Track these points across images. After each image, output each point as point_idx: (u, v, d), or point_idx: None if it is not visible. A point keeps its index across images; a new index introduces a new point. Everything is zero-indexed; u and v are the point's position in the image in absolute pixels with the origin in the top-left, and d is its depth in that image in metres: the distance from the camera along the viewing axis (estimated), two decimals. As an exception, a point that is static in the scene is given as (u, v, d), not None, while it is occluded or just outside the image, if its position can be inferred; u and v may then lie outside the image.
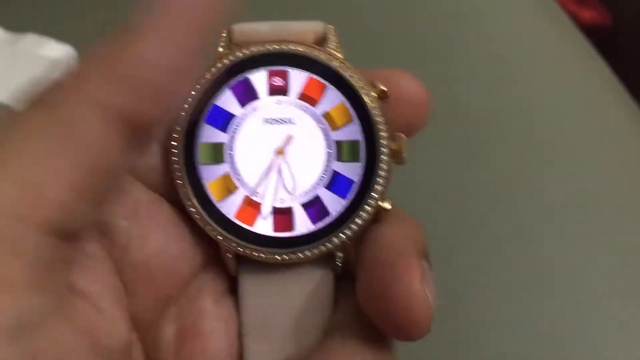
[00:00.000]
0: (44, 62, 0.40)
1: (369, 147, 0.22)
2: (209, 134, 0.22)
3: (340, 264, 0.22)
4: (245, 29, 0.23)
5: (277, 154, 0.22)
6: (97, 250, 0.20)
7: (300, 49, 0.22)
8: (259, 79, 0.22)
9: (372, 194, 0.22)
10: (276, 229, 0.22)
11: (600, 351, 0.35)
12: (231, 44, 0.23)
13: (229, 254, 0.22)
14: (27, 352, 0.15)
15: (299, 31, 0.23)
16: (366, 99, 0.22)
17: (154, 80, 0.18)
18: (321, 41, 0.23)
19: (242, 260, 0.22)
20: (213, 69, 0.23)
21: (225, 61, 0.22)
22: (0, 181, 0.16)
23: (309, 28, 0.23)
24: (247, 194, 0.22)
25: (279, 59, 0.22)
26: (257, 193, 0.22)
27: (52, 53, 0.42)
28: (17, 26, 0.45)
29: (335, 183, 0.22)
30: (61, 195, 0.16)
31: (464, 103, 0.44)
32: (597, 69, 0.47)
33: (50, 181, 0.16)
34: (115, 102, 0.17)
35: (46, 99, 0.18)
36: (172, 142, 0.22)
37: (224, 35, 0.23)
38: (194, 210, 0.22)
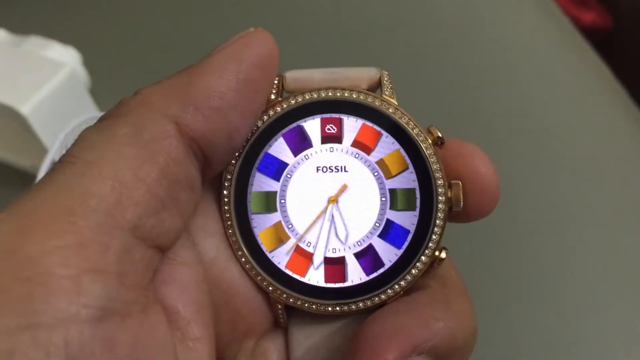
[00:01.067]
0: (48, 64, 0.40)
1: (424, 196, 0.21)
2: (261, 183, 0.22)
3: None
4: (298, 76, 0.23)
5: (330, 202, 0.22)
6: (185, 263, 0.20)
7: (354, 95, 0.22)
8: (312, 126, 0.22)
9: (428, 244, 0.22)
10: (328, 280, 0.22)
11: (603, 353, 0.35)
12: (283, 91, 0.23)
13: (279, 304, 0.22)
14: (107, 338, 0.16)
15: (353, 77, 0.23)
16: (423, 146, 0.22)
17: (222, 110, 0.19)
18: (375, 87, 0.23)
19: (293, 311, 0.22)
20: (265, 117, 0.22)
21: (278, 109, 0.22)
22: (96, 179, 0.17)
23: (363, 74, 0.23)
24: (299, 244, 0.22)
25: (332, 107, 0.22)
26: (309, 243, 0.22)
27: (56, 55, 0.42)
28: (21, 28, 0.45)
29: (390, 232, 0.22)
30: (146, 199, 0.18)
31: (465, 106, 0.44)
32: (597, 71, 0.47)
33: (137, 186, 0.18)
34: (190, 123, 0.18)
35: (128, 115, 0.19)
36: (224, 191, 0.22)
37: (276, 82, 0.22)
38: (244, 260, 0.21)
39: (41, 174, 0.35)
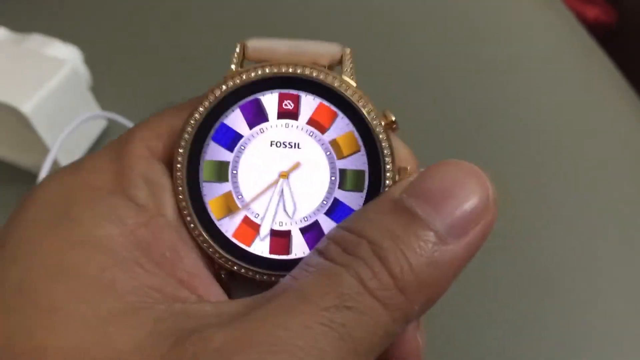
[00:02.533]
0: (49, 62, 0.40)
1: (373, 178, 0.22)
2: (215, 152, 0.22)
3: None
4: (260, 45, 0.23)
5: (281, 177, 0.22)
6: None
7: (314, 74, 0.22)
8: (269, 101, 0.22)
9: None
10: (272, 251, 0.22)
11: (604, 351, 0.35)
12: (244, 59, 0.23)
13: (223, 271, 0.22)
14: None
15: (315, 52, 0.23)
16: (376, 129, 0.22)
17: None
18: (336, 64, 0.23)
19: (236, 279, 0.22)
20: (223, 87, 0.22)
21: (237, 80, 0.22)
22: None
23: (325, 50, 0.23)
24: (247, 214, 0.22)
25: (291, 83, 0.22)
26: (257, 214, 0.22)
27: (57, 53, 0.42)
28: (22, 26, 0.45)
29: (336, 211, 0.22)
30: None
31: (469, 101, 0.44)
32: (602, 66, 0.47)
33: None
34: None
35: None
36: (177, 157, 0.22)
37: (237, 50, 0.23)
38: (192, 226, 0.22)
39: (43, 173, 0.35)
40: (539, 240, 0.38)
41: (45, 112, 0.38)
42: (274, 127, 0.22)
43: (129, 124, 0.40)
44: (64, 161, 0.40)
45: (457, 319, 0.35)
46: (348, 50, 0.23)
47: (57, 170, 0.20)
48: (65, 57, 0.42)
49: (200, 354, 0.15)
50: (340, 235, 0.19)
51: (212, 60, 0.48)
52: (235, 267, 0.22)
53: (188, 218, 0.22)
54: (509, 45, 0.47)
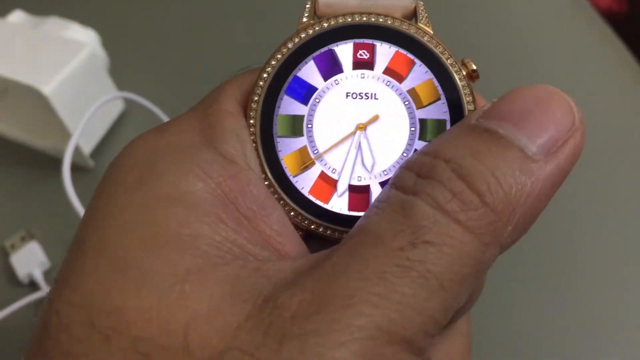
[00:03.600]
0: (69, 44, 0.40)
1: None
2: (288, 106, 0.21)
3: None
4: (331, 1, 0.22)
5: (358, 129, 0.21)
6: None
7: (389, 21, 0.21)
8: (344, 51, 0.21)
9: None
10: (351, 208, 0.21)
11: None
12: (315, 15, 0.22)
13: (300, 230, 0.21)
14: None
15: (387, 5, 0.22)
16: (456, 77, 0.21)
17: None
18: (410, 16, 0.22)
19: (314, 240, 0.21)
20: (296, 39, 0.22)
21: (310, 31, 0.22)
22: None
23: (398, 2, 0.22)
24: (323, 170, 0.21)
25: (365, 32, 0.21)
26: (334, 169, 0.21)
27: (75, 36, 0.42)
28: (40, 9, 0.45)
29: None
30: None
31: (483, 85, 0.44)
32: (617, 53, 0.47)
33: None
34: None
35: None
36: (250, 113, 0.21)
37: (308, 5, 0.22)
38: (267, 183, 0.21)
39: (67, 157, 0.35)
40: (555, 223, 0.39)
41: (66, 94, 0.38)
42: (349, 78, 0.21)
43: (150, 105, 0.40)
44: (83, 144, 0.41)
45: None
46: (422, 2, 0.22)
47: (141, 133, 0.20)
48: (83, 40, 0.42)
49: (276, 323, 0.15)
50: (412, 160, 0.17)
51: (229, 39, 0.48)
52: (312, 226, 0.21)
53: (263, 176, 0.21)
54: (523, 33, 0.47)
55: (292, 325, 0.15)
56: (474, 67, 0.21)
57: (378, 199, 0.17)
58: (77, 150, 0.40)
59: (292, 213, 0.21)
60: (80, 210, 0.34)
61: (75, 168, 0.40)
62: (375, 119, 0.21)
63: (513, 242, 0.17)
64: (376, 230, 0.16)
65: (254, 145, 0.21)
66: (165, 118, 0.40)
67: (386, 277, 0.15)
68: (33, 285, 0.38)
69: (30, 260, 0.38)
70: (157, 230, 0.17)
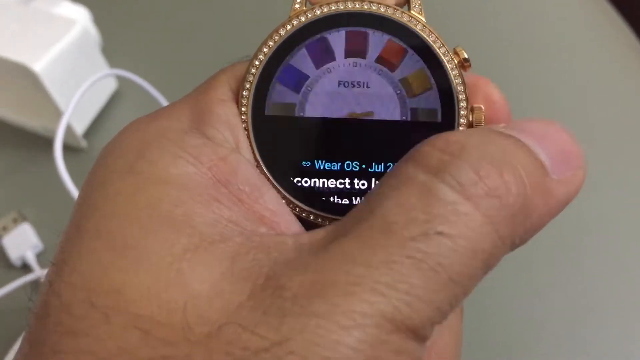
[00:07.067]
0: (59, 21, 0.39)
1: (446, 117, 0.21)
2: (281, 94, 0.21)
3: None
4: None
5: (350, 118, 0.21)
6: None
7: (382, 9, 0.21)
8: (336, 39, 0.21)
9: None
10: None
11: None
12: (307, 1, 0.22)
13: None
14: None
15: None
16: (448, 66, 0.21)
17: None
18: (403, 4, 0.22)
19: (308, 226, 0.21)
20: (288, 26, 0.21)
21: (302, 18, 0.21)
22: None
23: None
24: None
25: (358, 20, 0.21)
26: None
27: (66, 13, 0.41)
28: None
29: None
30: None
31: (494, 70, 0.43)
32: (621, 36, 0.46)
33: None
34: None
35: None
36: (242, 100, 0.21)
37: None
38: (259, 170, 0.21)
39: (58, 136, 0.34)
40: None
41: (57, 72, 0.37)
42: (342, 67, 0.21)
43: (143, 83, 0.39)
44: (76, 124, 0.40)
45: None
46: None
47: (133, 120, 0.20)
48: (74, 17, 0.41)
49: (277, 303, 0.15)
50: (437, 137, 0.17)
51: (225, 15, 0.47)
52: (303, 214, 0.21)
53: (256, 163, 0.21)
54: (529, 18, 0.47)
55: (293, 305, 0.15)
56: (466, 55, 0.21)
57: (392, 174, 0.17)
58: (70, 131, 0.39)
59: (283, 200, 0.21)
60: (74, 191, 0.33)
61: (68, 148, 0.40)
62: (369, 115, 0.21)
63: (521, 244, 0.17)
64: (387, 215, 0.15)
65: (246, 132, 0.21)
66: (159, 96, 0.40)
67: (395, 267, 0.15)
68: (25, 268, 0.37)
69: (23, 242, 0.37)
70: (150, 212, 0.17)
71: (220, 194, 0.18)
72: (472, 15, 0.46)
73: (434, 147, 0.17)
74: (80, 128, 0.41)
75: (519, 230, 0.16)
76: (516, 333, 0.34)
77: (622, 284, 0.36)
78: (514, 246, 0.17)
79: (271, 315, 0.15)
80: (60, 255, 0.17)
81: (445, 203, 0.15)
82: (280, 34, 0.22)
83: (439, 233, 0.15)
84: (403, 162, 0.17)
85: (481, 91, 0.22)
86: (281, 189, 0.21)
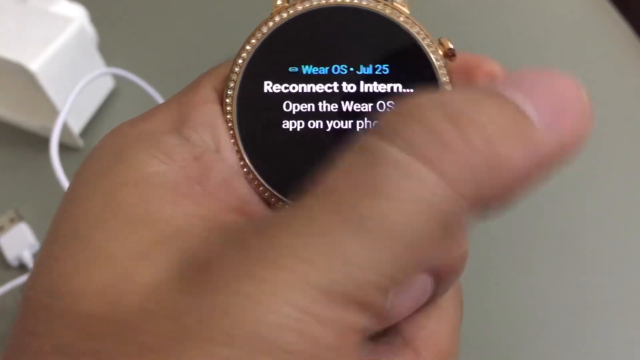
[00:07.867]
0: (56, 20, 0.39)
1: None
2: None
3: None
4: None
5: None
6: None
7: (364, 2, 0.21)
8: None
9: None
10: None
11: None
12: None
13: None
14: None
15: None
16: (432, 57, 0.21)
17: None
18: None
19: None
20: (270, 23, 0.21)
21: (284, 14, 0.21)
22: None
23: None
24: None
25: (340, 14, 0.21)
26: None
27: (63, 11, 0.41)
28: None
29: None
30: None
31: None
32: (617, 29, 0.46)
33: None
34: None
35: None
36: (226, 99, 0.21)
37: None
38: (246, 170, 0.21)
39: (55, 135, 0.34)
40: (560, 203, 0.38)
41: (53, 71, 0.37)
42: None
43: (140, 82, 0.39)
44: (72, 122, 0.40)
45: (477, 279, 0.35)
46: None
47: (120, 123, 0.20)
48: (71, 15, 0.40)
49: (209, 287, 0.14)
50: (401, 104, 0.16)
51: (220, 13, 0.47)
52: (278, 204, 0.21)
53: (241, 162, 0.21)
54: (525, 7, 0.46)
55: (225, 286, 0.14)
56: (451, 46, 0.21)
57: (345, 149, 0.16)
58: (66, 129, 0.39)
59: (267, 194, 0.21)
60: (70, 190, 0.33)
61: (65, 148, 0.39)
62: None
63: (502, 202, 0.15)
64: (330, 183, 0.15)
65: (231, 132, 0.21)
66: (155, 95, 0.39)
67: (331, 235, 0.14)
68: (22, 268, 0.37)
69: (20, 242, 0.37)
70: (117, 213, 0.17)
71: (192, 191, 0.18)
72: (472, 15, 0.46)
73: (391, 113, 0.15)
74: (77, 127, 0.40)
75: (486, 186, 0.15)
76: (516, 333, 0.34)
77: (622, 283, 0.36)
78: (490, 204, 0.15)
79: (200, 298, 0.14)
80: (36, 262, 0.18)
81: (392, 164, 0.14)
82: (262, 31, 0.21)
83: (382, 195, 0.14)
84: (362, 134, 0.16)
85: (482, 70, 0.22)
86: (267, 185, 0.20)
